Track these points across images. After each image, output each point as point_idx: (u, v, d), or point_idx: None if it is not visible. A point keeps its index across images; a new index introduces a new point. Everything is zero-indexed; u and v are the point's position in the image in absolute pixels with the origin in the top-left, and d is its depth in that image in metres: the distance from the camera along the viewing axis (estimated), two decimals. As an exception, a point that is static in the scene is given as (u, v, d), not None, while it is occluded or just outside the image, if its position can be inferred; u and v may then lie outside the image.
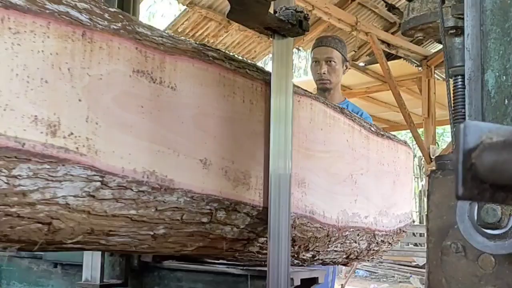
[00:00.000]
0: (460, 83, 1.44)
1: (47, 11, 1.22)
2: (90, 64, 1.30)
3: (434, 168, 1.32)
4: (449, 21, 1.44)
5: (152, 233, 1.55)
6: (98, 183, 1.32)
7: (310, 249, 2.11)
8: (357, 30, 8.65)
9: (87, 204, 1.33)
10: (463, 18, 1.33)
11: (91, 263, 2.24)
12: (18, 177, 1.17)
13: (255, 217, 1.78)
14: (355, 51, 10.15)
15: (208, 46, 1.68)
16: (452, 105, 1.46)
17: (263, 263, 2.07)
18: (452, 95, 1.47)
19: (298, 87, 2.00)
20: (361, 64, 10.43)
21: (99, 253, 2.22)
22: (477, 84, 1.22)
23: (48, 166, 1.21)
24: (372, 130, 2.41)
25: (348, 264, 2.63)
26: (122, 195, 1.38)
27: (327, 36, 3.90)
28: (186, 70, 1.54)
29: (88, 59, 1.30)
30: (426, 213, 1.29)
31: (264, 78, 1.82)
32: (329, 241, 2.14)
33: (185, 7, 8.25)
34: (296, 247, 2.04)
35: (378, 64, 9.37)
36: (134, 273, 2.32)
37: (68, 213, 1.32)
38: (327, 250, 2.21)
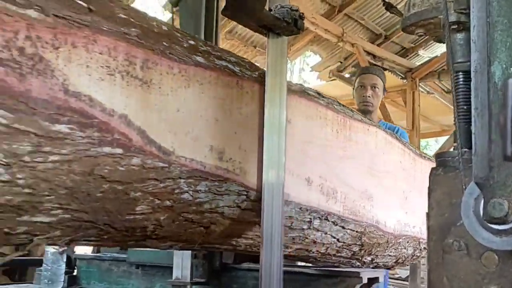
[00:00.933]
0: (461, 79, 1.38)
1: (217, 67, 1.62)
2: (241, 105, 1.70)
3: (434, 165, 1.31)
4: (452, 16, 1.38)
5: (268, 236, 1.94)
6: (244, 197, 1.72)
7: (372, 253, 2.51)
8: (343, 41, 8.75)
9: (235, 213, 1.73)
10: (465, 13, 1.32)
11: (182, 263, 2.62)
12: (199, 191, 1.57)
13: (339, 225, 2.18)
14: (341, 62, 10.34)
15: (309, 88, 2.09)
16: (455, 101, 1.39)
17: (335, 264, 2.47)
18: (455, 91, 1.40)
19: (369, 119, 2.40)
20: (347, 75, 10.48)
21: (189, 254, 2.60)
22: (483, 76, 1.19)
23: (217, 183, 1.61)
24: (417, 153, 2.83)
25: (392, 268, 3.03)
26: (256, 205, 1.78)
27: (373, 66, 4.40)
28: (297, 106, 1.95)
29: (240, 101, 1.70)
30: (426, 211, 1.29)
31: (345, 111, 2.23)
32: (387, 247, 2.54)
33: (171, 14, 8.73)
34: (362, 251, 2.44)
35: None
36: (214, 273, 2.70)
37: (222, 219, 1.71)
38: (383, 255, 2.61)
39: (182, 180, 1.51)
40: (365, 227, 2.30)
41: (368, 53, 9.40)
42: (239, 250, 2.02)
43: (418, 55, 10.97)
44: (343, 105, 2.27)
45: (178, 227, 1.62)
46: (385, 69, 9.61)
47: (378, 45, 10.02)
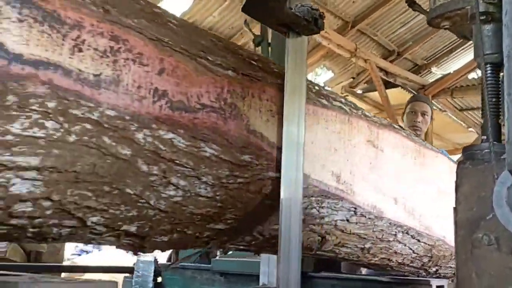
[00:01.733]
0: (490, 71, 1.37)
1: (335, 107, 2.02)
2: (350, 137, 2.10)
3: (461, 159, 1.30)
4: (481, 6, 1.36)
5: (362, 246, 2.32)
6: (352, 212, 2.11)
7: (438, 264, 2.87)
8: (356, 56, 8.72)
9: (344, 225, 2.11)
10: (494, 3, 1.31)
11: (268, 271, 3.00)
12: (323, 207, 1.96)
13: (415, 238, 2.55)
14: (354, 78, 10.25)
15: (396, 124, 2.48)
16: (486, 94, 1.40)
17: (405, 273, 2.84)
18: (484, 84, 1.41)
19: (439, 149, 2.79)
20: (359, 91, 10.33)
21: (275, 263, 2.97)
22: (517, 61, 1.14)
23: (335, 201, 2.00)
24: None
25: (450, 279, 3.39)
26: (359, 219, 2.17)
27: (423, 95, 4.88)
28: (388, 138, 2.34)
29: (350, 134, 2.10)
30: (454, 205, 1.25)
31: (420, 141, 2.62)
32: (450, 259, 2.90)
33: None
34: (430, 262, 2.81)
35: (376, 92, 9.39)
36: (295, 280, 3.07)
37: (334, 230, 2.10)
38: (446, 266, 2.97)
39: (313, 198, 1.90)
40: (435, 241, 2.67)
41: (381, 69, 9.38)
42: (339, 257, 2.40)
43: (431, 72, 11.13)
44: (416, 136, 2.66)
45: (304, 236, 2.01)
46: (398, 86, 9.78)
47: (391, 61, 10.10)
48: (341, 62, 10.08)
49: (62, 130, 1.15)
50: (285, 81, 1.75)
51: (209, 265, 3.41)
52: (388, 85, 9.61)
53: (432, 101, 10.52)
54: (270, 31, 3.67)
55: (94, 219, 1.34)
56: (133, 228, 1.45)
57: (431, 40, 10.44)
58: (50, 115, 1.12)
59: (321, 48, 9.03)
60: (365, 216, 2.18)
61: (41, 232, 1.29)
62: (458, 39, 9.98)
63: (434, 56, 11.04)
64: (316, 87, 2.01)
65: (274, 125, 1.71)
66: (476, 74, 10.40)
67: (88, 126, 1.20)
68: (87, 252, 12.40)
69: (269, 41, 3.48)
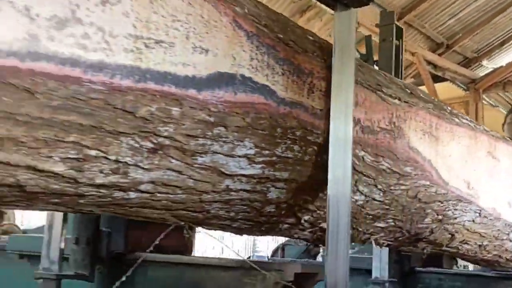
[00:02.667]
0: None
1: (463, 124, 2.37)
2: (475, 150, 2.44)
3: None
4: None
5: (481, 243, 2.66)
6: (477, 214, 2.45)
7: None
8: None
9: (470, 225, 2.46)
10: None
11: (380, 266, 3.37)
12: (456, 210, 2.31)
13: (524, 238, 2.87)
14: None
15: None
16: None
17: (509, 269, 3.16)
18: None
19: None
20: None
21: (387, 259, 3.34)
22: None
23: (466, 204, 2.35)
24: None
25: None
26: (482, 220, 2.51)
27: None
28: (503, 150, 2.67)
29: (475, 147, 2.44)
30: None
31: None
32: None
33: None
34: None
35: (423, 86, 8.85)
36: (404, 274, 3.43)
37: (462, 229, 2.45)
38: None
39: (450, 202, 2.26)
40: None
41: (429, 63, 9.09)
42: (459, 253, 2.74)
43: (481, 65, 10.76)
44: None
45: (439, 233, 2.37)
46: (446, 80, 9.46)
47: (439, 54, 9.74)
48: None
49: (301, 152, 1.56)
50: (333, 61, 1.63)
51: (316, 261, 3.80)
52: (436, 79, 9.27)
53: (483, 96, 10.16)
54: (375, 50, 4.04)
55: (306, 217, 1.74)
56: (325, 225, 1.85)
57: (481, 32, 10.04)
58: (296, 141, 1.53)
59: None
60: (487, 217, 2.52)
61: (272, 227, 1.70)
62: (511, 30, 10.07)
63: (485, 48, 10.64)
64: (449, 108, 2.37)
65: (425, 141, 2.08)
66: None
67: (315, 147, 1.60)
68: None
69: (375, 59, 3.85)
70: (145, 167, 1.24)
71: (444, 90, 9.42)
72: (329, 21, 8.33)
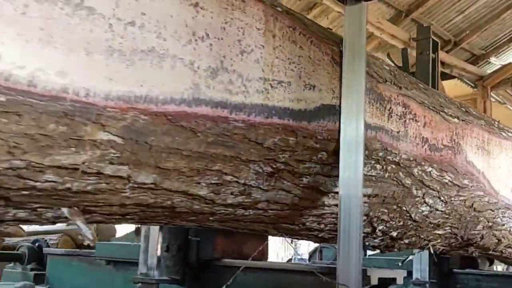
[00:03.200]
0: None
1: (509, 137, 2.56)
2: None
3: None
4: None
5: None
6: (522, 220, 2.64)
7: None
8: (410, 47, 7.97)
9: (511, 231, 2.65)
10: None
11: (420, 267, 3.55)
12: (505, 217, 2.50)
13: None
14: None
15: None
16: None
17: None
18: None
19: None
20: None
21: (427, 261, 3.52)
22: None
23: (506, 211, 2.54)
24: None
25: None
26: (526, 226, 2.69)
27: None
28: None
29: (520, 158, 2.62)
30: None
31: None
32: None
33: None
34: None
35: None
36: (443, 275, 3.61)
37: (508, 235, 2.63)
38: None
39: (500, 210, 2.45)
40: None
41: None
42: (502, 256, 2.93)
43: (489, 62, 10.61)
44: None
45: (487, 239, 2.55)
46: (454, 77, 9.27)
47: (447, 51, 9.58)
48: (395, 53, 9.13)
49: (382, 170, 1.75)
50: (343, 58, 1.57)
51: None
52: (444, 76, 8.76)
53: (491, 93, 9.99)
54: (410, 61, 4.22)
55: (380, 227, 1.94)
56: (394, 233, 2.04)
57: (489, 29, 9.93)
58: (379, 161, 1.73)
59: (373, 39, 8.54)
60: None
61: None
62: None
63: (492, 45, 10.51)
64: (497, 122, 2.56)
65: (479, 155, 2.27)
66: None
67: (393, 166, 1.79)
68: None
69: (410, 70, 4.03)
70: (264, 188, 1.44)
71: (452, 87, 9.22)
72: (335, 19, 8.32)
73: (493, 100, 10.31)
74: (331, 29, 1.59)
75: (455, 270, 3.64)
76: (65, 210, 1.10)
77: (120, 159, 1.08)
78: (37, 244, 3.39)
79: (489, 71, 10.30)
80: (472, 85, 10.02)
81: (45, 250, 3.32)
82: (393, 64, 4.37)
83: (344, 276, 1.58)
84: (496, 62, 10.54)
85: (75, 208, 1.11)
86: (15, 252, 3.29)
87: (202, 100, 1.17)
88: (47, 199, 1.07)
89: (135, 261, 2.26)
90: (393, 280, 2.04)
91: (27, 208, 1.08)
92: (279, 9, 1.39)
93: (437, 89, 3.65)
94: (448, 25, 9.62)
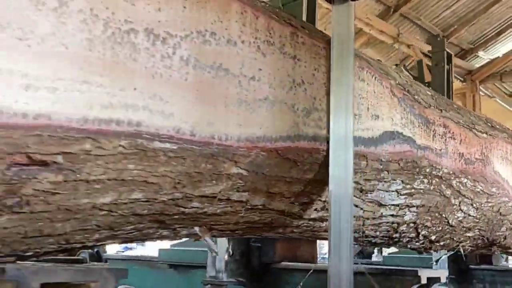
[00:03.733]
0: None
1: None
2: None
3: None
4: None
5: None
6: (540, 222, 2.90)
7: None
8: (399, 42, 8.23)
9: (533, 231, 2.92)
10: None
11: (440, 264, 3.82)
12: (525, 219, 2.77)
13: None
14: (397, 65, 9.04)
15: None
16: None
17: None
18: None
19: None
20: None
21: (446, 259, 3.79)
22: None
23: (532, 214, 2.80)
24: None
25: None
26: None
27: None
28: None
29: None
30: None
31: None
32: None
33: None
34: None
35: None
36: (461, 271, 3.89)
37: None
38: None
39: (521, 213, 2.72)
40: None
41: (425, 55, 8.45)
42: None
43: (477, 56, 10.61)
44: None
45: (509, 239, 2.82)
46: None
47: None
48: (384, 49, 9.54)
49: (429, 184, 2.02)
50: (331, 56, 1.56)
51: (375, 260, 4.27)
52: None
53: (480, 87, 10.06)
54: (426, 72, 4.49)
55: (423, 232, 2.20)
56: (433, 237, 2.31)
57: (477, 23, 9.97)
58: (426, 176, 1.99)
59: (362, 35, 8.54)
60: (547, 224, 2.97)
61: (398, 240, 2.16)
62: (507, 20, 9.82)
63: (480, 39, 10.52)
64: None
65: (503, 165, 2.54)
66: None
67: (437, 179, 2.06)
68: (131, 248, 13.35)
69: (426, 80, 4.30)
70: (339, 204, 1.70)
71: (441, 82, 9.47)
72: (322, 17, 8.16)
73: (482, 94, 10.37)
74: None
75: (471, 266, 3.92)
76: (196, 229, 1.36)
77: (243, 187, 1.34)
78: (95, 250, 3.60)
79: (477, 65, 10.33)
80: (461, 79, 10.01)
81: (104, 255, 3.55)
82: (409, 75, 4.64)
83: (335, 273, 1.55)
84: (484, 56, 10.57)
85: (204, 227, 1.37)
86: (76, 257, 3.50)
87: (301, 136, 1.43)
88: (187, 221, 1.33)
89: (196, 264, 2.52)
90: (438, 279, 2.31)
91: (170, 228, 1.34)
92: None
93: (452, 98, 3.92)
94: (436, 20, 9.59)
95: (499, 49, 10.52)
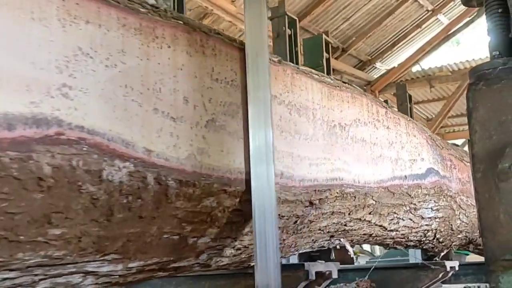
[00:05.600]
0: None
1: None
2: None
3: (472, 80, 1.15)
4: None
5: None
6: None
7: None
8: (301, 53, 8.96)
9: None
10: None
11: (415, 260, 4.75)
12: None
13: None
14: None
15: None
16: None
17: None
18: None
19: None
20: None
21: (420, 256, 4.72)
22: None
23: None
24: None
25: None
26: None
27: None
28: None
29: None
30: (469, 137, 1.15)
31: None
32: None
33: None
34: None
35: None
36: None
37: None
38: None
39: (490, 218, 3.68)
40: None
41: None
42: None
43: (375, 67, 11.21)
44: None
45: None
46: (345, 83, 10.16)
47: (336, 58, 9.88)
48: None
49: (445, 201, 2.91)
50: (247, 63, 1.55)
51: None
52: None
53: (379, 97, 10.45)
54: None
55: (437, 236, 3.09)
56: (441, 239, 3.20)
57: (373, 35, 10.46)
58: (445, 196, 2.87)
59: None
60: None
61: (423, 242, 3.03)
62: (401, 32, 10.62)
63: (377, 51, 11.06)
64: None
65: (479, 184, 3.49)
66: (420, 67, 11.02)
67: (449, 198, 2.95)
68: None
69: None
70: (409, 218, 2.54)
71: (345, 93, 10.08)
72: (227, 29, 8.47)
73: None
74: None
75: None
76: (343, 239, 2.15)
77: (359, 209, 2.15)
78: None
79: (376, 76, 10.94)
80: (362, 90, 11.01)
81: None
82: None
83: (263, 277, 1.54)
84: (381, 67, 11.10)
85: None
86: None
87: (396, 177, 2.26)
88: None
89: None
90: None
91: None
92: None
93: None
94: (336, 32, 9.87)
95: (395, 60, 11.32)
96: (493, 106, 1.07)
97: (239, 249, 1.66)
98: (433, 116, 11.25)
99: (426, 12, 10.49)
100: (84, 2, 1.14)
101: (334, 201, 1.83)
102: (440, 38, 10.70)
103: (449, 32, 10.71)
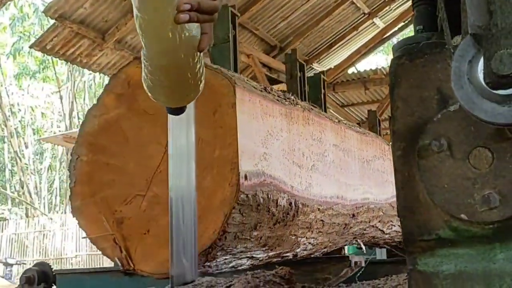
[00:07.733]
0: None
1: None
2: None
3: (396, 54, 1.06)
4: None
5: None
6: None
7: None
8: (238, 51, 8.39)
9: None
10: None
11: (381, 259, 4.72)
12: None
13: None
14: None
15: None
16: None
17: None
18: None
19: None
20: None
21: (385, 255, 4.69)
22: None
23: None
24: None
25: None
26: None
27: None
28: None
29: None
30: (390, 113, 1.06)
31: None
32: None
33: (54, 21, 7.01)
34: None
35: None
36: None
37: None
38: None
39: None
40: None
41: (264, 65, 9.00)
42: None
43: (312, 68, 10.99)
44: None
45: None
46: (281, 82, 9.22)
47: (273, 57, 9.79)
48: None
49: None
50: None
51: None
52: (273, 81, 9.11)
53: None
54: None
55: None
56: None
57: (310, 36, 10.44)
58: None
59: None
60: None
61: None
62: (337, 34, 10.65)
63: (314, 52, 11.05)
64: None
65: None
66: (355, 69, 11.07)
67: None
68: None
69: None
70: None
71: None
72: None
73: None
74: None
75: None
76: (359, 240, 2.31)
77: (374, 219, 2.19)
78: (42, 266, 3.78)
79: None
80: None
81: (54, 270, 3.71)
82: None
83: (180, 280, 1.54)
84: (318, 68, 10.95)
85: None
86: (25, 275, 3.69)
87: (395, 195, 2.30)
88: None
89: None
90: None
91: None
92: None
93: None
94: (274, 31, 9.75)
95: (331, 61, 11.35)
96: (416, 81, 1.01)
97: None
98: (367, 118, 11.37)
99: (363, 15, 10.55)
100: (268, 104, 2.22)
101: (363, 214, 2.72)
102: (376, 41, 10.80)
103: (384, 36, 10.87)
